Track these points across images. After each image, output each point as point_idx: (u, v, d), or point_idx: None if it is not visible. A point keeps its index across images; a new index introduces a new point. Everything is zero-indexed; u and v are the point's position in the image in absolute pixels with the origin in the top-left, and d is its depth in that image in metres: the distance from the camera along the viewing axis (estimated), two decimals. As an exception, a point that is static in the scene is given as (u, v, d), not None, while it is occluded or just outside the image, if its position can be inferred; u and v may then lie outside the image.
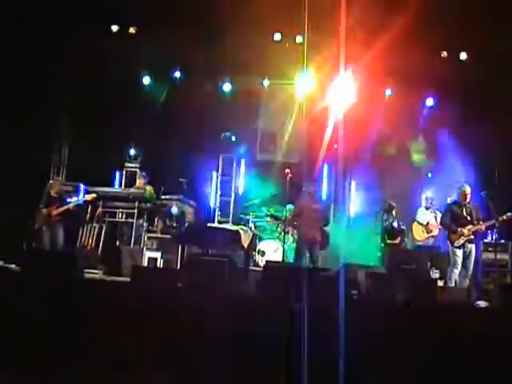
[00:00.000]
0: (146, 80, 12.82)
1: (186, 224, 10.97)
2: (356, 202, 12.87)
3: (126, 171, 11.98)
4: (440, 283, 8.74)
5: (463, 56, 12.19)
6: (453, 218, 9.28)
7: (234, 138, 13.22)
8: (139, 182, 11.37)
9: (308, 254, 9.58)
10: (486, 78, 11.73)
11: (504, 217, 9.18)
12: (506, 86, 11.45)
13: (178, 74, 12.92)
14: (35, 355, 5.68)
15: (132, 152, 12.43)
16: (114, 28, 12.30)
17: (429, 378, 5.67)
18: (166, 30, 11.83)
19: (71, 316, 5.95)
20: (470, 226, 9.13)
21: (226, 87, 13.03)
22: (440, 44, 11.97)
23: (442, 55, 12.21)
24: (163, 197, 11.43)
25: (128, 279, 7.14)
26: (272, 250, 11.16)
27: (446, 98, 12.30)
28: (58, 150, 12.72)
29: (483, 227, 9.26)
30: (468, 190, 9.29)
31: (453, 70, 12.02)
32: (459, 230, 9.12)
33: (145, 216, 10.89)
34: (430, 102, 12.77)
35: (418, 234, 11.10)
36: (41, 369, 5.62)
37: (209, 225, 11.42)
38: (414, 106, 12.64)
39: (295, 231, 10.52)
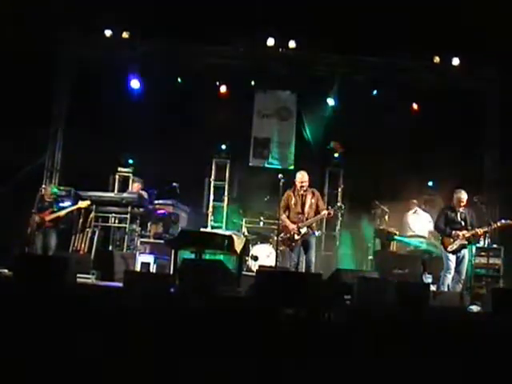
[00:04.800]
0: (139, 84, 12.78)
1: (179, 229, 10.96)
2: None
3: (119, 176, 11.96)
4: (433, 288, 8.76)
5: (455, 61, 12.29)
6: (447, 223, 9.28)
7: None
8: (134, 186, 11.37)
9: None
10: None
11: (498, 223, 9.21)
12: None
13: (171, 80, 12.94)
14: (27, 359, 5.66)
15: (125, 157, 12.44)
16: (108, 33, 12.33)
17: (421, 380, 5.68)
18: (160, 34, 11.93)
19: (63, 321, 5.94)
20: (464, 232, 9.13)
21: (222, 92, 13.02)
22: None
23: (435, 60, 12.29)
24: (156, 201, 11.42)
25: (121, 284, 7.13)
26: (265, 255, 11.15)
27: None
28: (51, 154, 12.68)
29: (478, 233, 9.23)
30: (463, 195, 9.24)
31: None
32: (454, 233, 9.12)
33: (137, 221, 10.89)
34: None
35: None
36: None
37: (202, 230, 11.42)
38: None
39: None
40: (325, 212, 8.89)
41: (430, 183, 12.71)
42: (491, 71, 12.32)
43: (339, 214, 12.20)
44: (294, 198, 8.99)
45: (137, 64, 12.43)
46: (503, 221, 9.23)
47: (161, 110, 12.25)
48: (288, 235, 8.92)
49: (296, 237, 8.83)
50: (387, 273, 9.78)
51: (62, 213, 9.96)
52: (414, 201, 11.67)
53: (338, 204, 9.90)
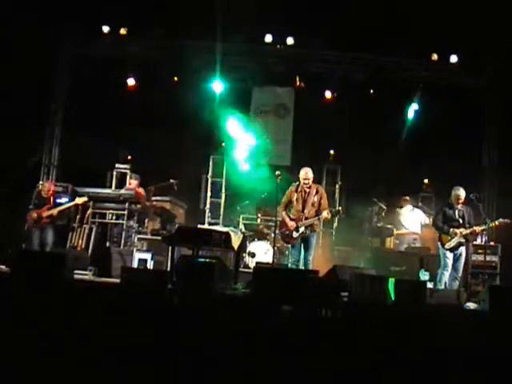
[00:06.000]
0: (136, 81, 12.77)
1: (177, 225, 10.96)
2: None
3: (117, 172, 11.96)
4: (430, 285, 8.76)
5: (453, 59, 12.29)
6: (444, 220, 9.27)
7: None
8: (131, 183, 11.37)
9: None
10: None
11: (496, 222, 9.20)
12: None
13: (169, 76, 12.94)
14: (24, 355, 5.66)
15: (123, 153, 12.43)
16: (105, 29, 12.32)
17: (418, 380, 5.69)
18: (158, 30, 11.93)
19: (60, 317, 5.94)
20: (461, 229, 9.12)
21: (219, 88, 13.02)
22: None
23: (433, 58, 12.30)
24: (154, 198, 11.43)
25: (118, 280, 7.13)
26: (262, 252, 11.15)
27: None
28: (48, 150, 12.67)
29: (475, 231, 9.21)
30: (461, 192, 9.22)
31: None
32: (451, 230, 9.12)
33: (135, 217, 10.89)
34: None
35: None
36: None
37: (199, 226, 11.42)
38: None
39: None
40: (323, 214, 8.83)
41: (426, 181, 12.75)
42: (490, 69, 12.32)
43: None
44: (296, 195, 8.94)
45: (134, 61, 12.42)
46: (501, 219, 9.24)
47: (159, 106, 12.23)
48: (287, 232, 8.91)
49: (294, 235, 8.80)
50: (384, 270, 9.79)
51: (59, 209, 9.94)
52: (407, 197, 11.72)
53: (337, 208, 9.86)
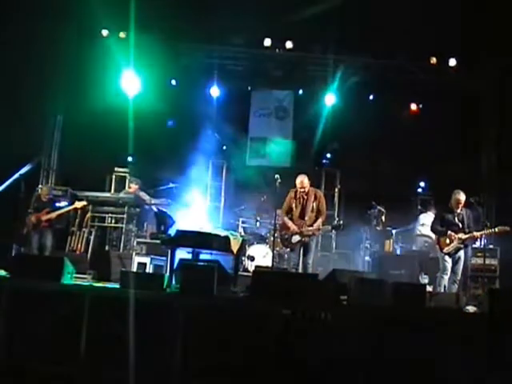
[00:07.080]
0: (136, 82, 12.77)
1: (176, 229, 10.94)
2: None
3: (116, 176, 11.96)
4: (429, 288, 8.74)
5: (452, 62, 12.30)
6: (444, 225, 9.22)
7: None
8: (131, 187, 11.36)
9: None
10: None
11: (496, 229, 9.14)
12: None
13: (168, 80, 12.97)
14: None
15: (123, 157, 12.43)
16: (105, 32, 12.32)
17: (418, 382, 5.69)
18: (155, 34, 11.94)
19: (59, 320, 5.93)
20: (460, 234, 9.06)
21: (216, 93, 13.06)
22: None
23: (432, 61, 12.31)
24: (153, 201, 11.41)
25: (117, 284, 7.12)
26: (261, 256, 11.15)
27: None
28: (47, 153, 12.65)
29: (474, 236, 9.16)
30: (461, 196, 9.11)
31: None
32: (449, 232, 9.06)
33: (134, 221, 10.88)
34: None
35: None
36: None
37: (198, 230, 11.40)
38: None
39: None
40: (318, 224, 8.87)
41: (422, 183, 12.76)
42: (489, 71, 12.33)
43: (336, 217, 12.36)
44: (295, 201, 8.98)
45: (134, 63, 12.42)
46: (500, 227, 9.17)
47: (158, 109, 12.23)
48: (286, 236, 8.92)
49: (293, 239, 8.81)
50: (384, 273, 9.78)
51: (58, 213, 9.95)
52: (431, 203, 11.74)
53: (338, 222, 9.87)
